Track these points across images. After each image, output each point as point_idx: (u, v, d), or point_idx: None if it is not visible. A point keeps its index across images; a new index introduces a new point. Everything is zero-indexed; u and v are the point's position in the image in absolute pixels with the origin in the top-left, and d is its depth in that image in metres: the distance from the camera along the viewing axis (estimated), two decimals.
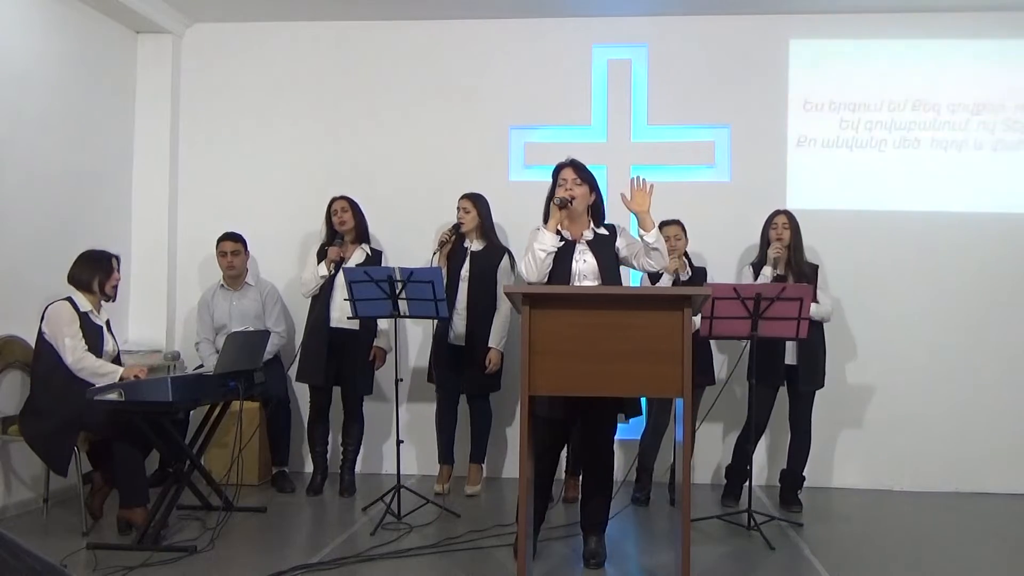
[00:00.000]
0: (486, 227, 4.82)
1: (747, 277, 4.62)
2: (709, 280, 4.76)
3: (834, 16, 5.23)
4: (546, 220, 3.56)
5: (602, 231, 3.57)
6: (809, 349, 4.44)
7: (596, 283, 3.47)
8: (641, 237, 3.46)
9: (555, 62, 5.39)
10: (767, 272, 4.50)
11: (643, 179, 3.48)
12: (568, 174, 3.53)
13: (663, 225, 4.74)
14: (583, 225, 3.55)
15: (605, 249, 3.53)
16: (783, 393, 4.59)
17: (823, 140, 5.29)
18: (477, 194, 4.83)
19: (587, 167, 3.60)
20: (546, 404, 3.34)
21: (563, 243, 3.49)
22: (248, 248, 5.07)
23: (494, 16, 5.37)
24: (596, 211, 3.60)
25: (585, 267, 3.48)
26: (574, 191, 3.49)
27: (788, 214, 4.62)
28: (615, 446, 5.12)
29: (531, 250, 3.46)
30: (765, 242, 4.61)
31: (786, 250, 4.51)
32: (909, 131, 5.26)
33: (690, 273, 4.68)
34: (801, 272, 4.54)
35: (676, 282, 4.56)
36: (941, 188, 5.22)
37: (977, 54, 5.21)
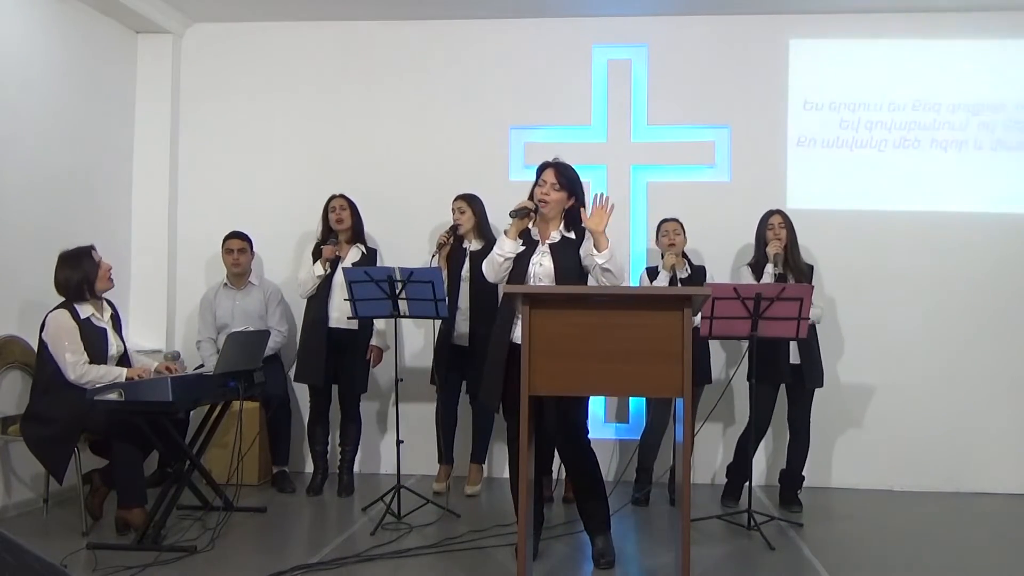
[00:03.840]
0: (483, 226, 4.82)
1: (747, 278, 4.59)
2: (708, 279, 4.76)
3: (834, 16, 5.23)
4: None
5: (570, 235, 3.50)
6: (810, 348, 4.45)
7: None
8: (592, 256, 3.37)
9: (555, 62, 5.39)
10: (770, 270, 4.48)
11: (605, 197, 3.41)
12: (549, 176, 3.47)
13: (663, 222, 4.75)
14: (553, 227, 3.52)
15: (567, 253, 3.48)
16: (782, 392, 4.59)
17: (823, 140, 5.29)
18: (471, 194, 4.84)
19: (571, 168, 3.52)
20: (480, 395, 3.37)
21: (524, 247, 3.48)
22: (253, 248, 5.08)
23: (494, 16, 5.38)
24: (571, 215, 3.52)
25: (541, 270, 3.46)
26: (550, 195, 3.45)
27: (782, 214, 4.62)
28: (615, 445, 5.19)
29: (492, 252, 3.49)
30: (761, 242, 4.61)
31: (784, 249, 4.51)
32: (909, 131, 5.26)
33: (689, 271, 4.67)
34: (800, 271, 4.55)
35: (673, 280, 4.56)
36: (941, 188, 5.22)
37: (977, 54, 5.21)
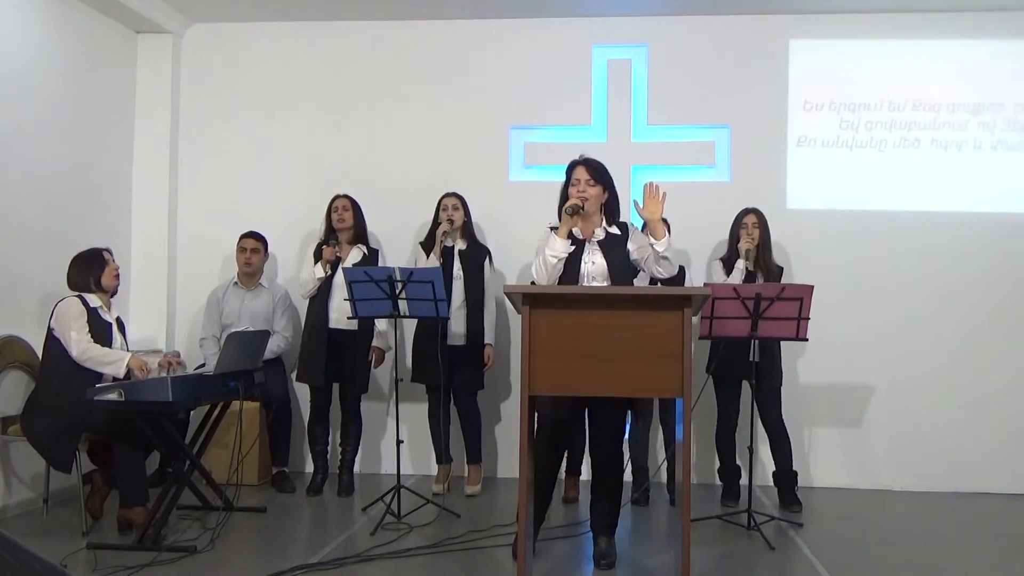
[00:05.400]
0: (469, 226, 4.86)
1: (717, 272, 4.64)
2: (688, 282, 4.75)
3: (834, 16, 5.23)
4: (561, 217, 3.52)
5: (614, 230, 3.50)
6: (769, 346, 4.48)
7: (605, 284, 3.42)
8: (651, 245, 3.38)
9: (555, 62, 5.39)
10: (740, 266, 4.54)
11: (656, 186, 3.39)
12: (581, 174, 3.46)
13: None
14: (595, 224, 3.49)
15: (616, 249, 3.46)
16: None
17: (823, 140, 5.29)
18: (459, 193, 4.85)
19: (600, 163, 3.51)
20: (548, 403, 3.33)
21: (573, 244, 3.43)
22: (268, 250, 5.09)
23: (494, 16, 5.38)
24: (609, 209, 3.52)
25: (594, 268, 3.43)
26: (587, 192, 3.43)
27: (757, 212, 4.66)
28: None
29: (542, 254, 3.41)
30: (734, 239, 4.66)
31: (755, 248, 4.54)
32: (909, 131, 5.26)
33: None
34: (770, 270, 4.60)
35: (653, 280, 4.54)
36: (941, 188, 5.22)
37: (977, 54, 5.21)
